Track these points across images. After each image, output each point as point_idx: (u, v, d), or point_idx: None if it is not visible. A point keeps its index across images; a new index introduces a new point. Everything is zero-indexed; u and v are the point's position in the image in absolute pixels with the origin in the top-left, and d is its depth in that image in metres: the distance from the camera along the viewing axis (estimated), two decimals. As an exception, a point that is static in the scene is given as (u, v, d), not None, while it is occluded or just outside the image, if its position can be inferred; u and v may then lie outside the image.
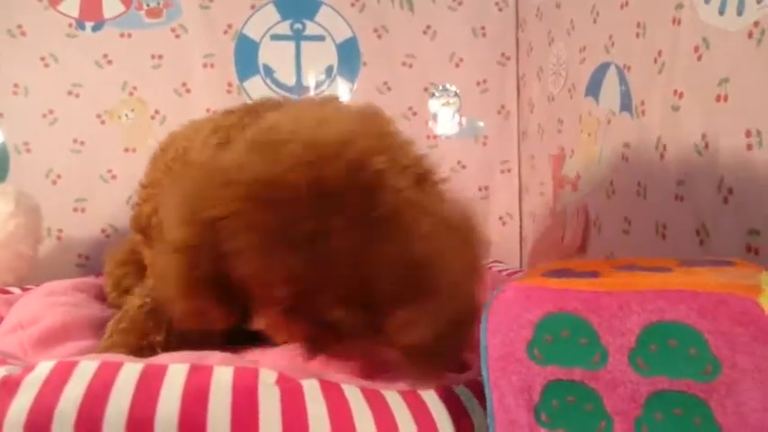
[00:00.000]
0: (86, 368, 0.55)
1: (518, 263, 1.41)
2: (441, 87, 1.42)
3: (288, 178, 0.53)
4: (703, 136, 0.79)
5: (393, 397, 0.58)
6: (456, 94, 1.42)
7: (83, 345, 0.77)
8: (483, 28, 1.43)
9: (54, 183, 1.31)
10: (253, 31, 1.38)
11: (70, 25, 1.32)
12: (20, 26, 1.30)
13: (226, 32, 1.37)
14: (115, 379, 0.54)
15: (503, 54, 1.44)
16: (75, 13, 1.33)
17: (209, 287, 0.59)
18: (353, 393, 0.57)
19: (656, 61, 0.89)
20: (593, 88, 1.07)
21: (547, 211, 1.29)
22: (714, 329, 0.45)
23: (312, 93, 1.39)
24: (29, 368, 0.56)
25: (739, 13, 0.73)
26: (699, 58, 0.80)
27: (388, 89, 1.40)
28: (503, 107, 1.44)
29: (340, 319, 0.57)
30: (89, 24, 1.33)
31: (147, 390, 0.53)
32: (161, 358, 0.59)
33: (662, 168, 0.88)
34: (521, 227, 1.45)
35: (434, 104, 1.42)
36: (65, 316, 0.80)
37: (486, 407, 0.53)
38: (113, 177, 1.34)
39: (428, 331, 0.58)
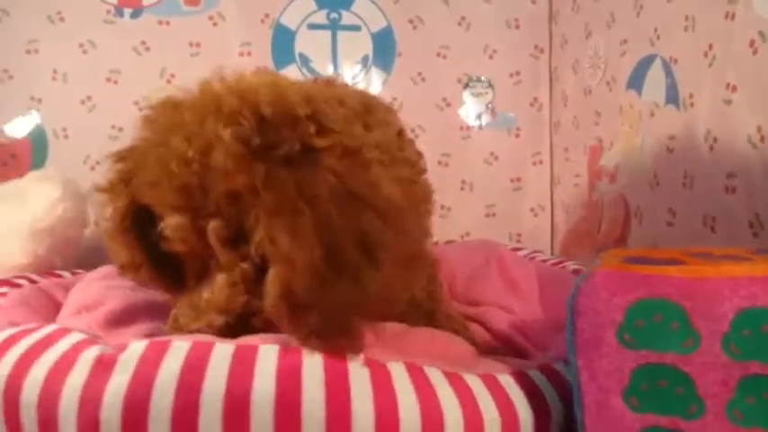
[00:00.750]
0: (179, 347, 0.56)
1: (549, 253, 1.43)
2: (474, 79, 1.43)
3: None
4: (758, 129, 0.81)
5: (473, 380, 0.60)
6: (489, 86, 1.44)
7: (146, 327, 0.78)
8: (516, 20, 1.44)
9: (92, 168, 1.31)
10: (289, 20, 1.39)
11: (109, 12, 1.33)
12: (59, 12, 1.31)
13: (263, 21, 1.38)
14: (209, 357, 0.55)
15: (536, 46, 1.45)
16: (114, 0, 1.33)
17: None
18: (436, 376, 0.58)
19: (706, 55, 0.90)
20: (636, 81, 1.09)
21: (580, 201, 1.31)
22: (810, 314, 0.47)
23: (348, 83, 1.40)
24: (121, 347, 0.57)
25: (799, 7, 0.75)
26: (754, 53, 0.81)
27: (423, 80, 1.41)
28: (535, 99, 1.45)
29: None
30: (128, 11, 1.34)
31: (242, 368, 0.54)
32: (247, 339, 0.61)
33: (711, 160, 0.89)
34: (552, 218, 1.46)
35: (468, 96, 1.43)
36: (126, 300, 0.81)
37: (573, 390, 0.54)
38: (151, 164, 1.34)
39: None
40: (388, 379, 0.56)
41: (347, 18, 1.40)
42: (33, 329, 0.61)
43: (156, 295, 0.87)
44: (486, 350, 0.79)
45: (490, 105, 1.44)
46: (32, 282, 0.94)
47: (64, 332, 0.60)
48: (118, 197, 0.68)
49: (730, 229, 0.86)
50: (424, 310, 0.81)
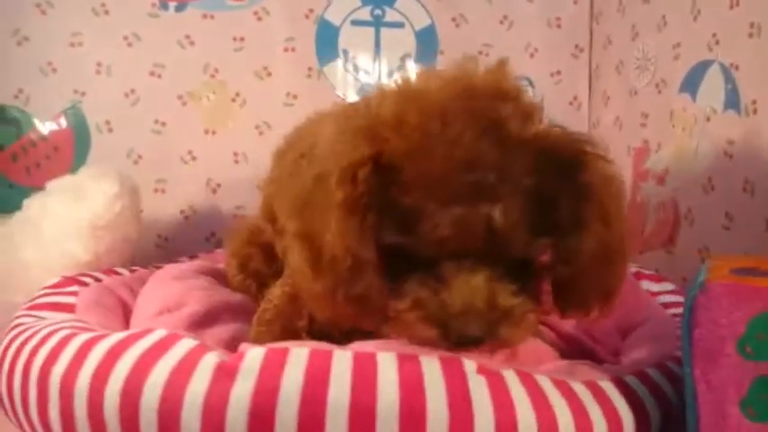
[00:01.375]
0: (299, 355, 0.57)
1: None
2: (515, 77, 1.44)
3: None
4: (829, 137, 0.82)
5: (579, 387, 0.60)
6: (530, 84, 1.44)
7: (229, 329, 0.79)
8: (558, 19, 1.44)
9: (135, 163, 1.31)
10: (333, 16, 1.39)
11: (153, 5, 1.32)
12: (103, 5, 1.30)
13: (307, 17, 1.37)
14: (330, 366, 0.56)
15: (576, 46, 1.46)
16: (159, -6, 1.33)
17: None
18: (547, 384, 0.59)
19: (772, 62, 0.91)
20: (690, 85, 1.10)
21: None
22: None
23: (391, 79, 1.40)
24: (238, 354, 0.58)
25: None
26: (827, 62, 0.83)
27: (465, 78, 1.42)
28: (575, 98, 1.46)
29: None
30: (172, 5, 1.33)
31: (364, 378, 0.55)
32: (359, 346, 0.61)
33: (776, 167, 0.91)
34: (590, 217, 1.47)
35: (509, 94, 1.44)
36: (206, 300, 0.82)
37: (686, 398, 0.56)
38: (193, 159, 1.34)
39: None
40: (505, 387, 0.57)
41: (390, 15, 1.40)
42: (142, 333, 0.61)
43: (230, 295, 0.89)
44: (559, 349, 0.80)
45: (531, 104, 1.45)
46: (97, 280, 0.94)
47: (176, 337, 0.60)
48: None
49: (796, 236, 0.87)
50: None
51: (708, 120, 1.05)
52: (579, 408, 0.58)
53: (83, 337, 0.63)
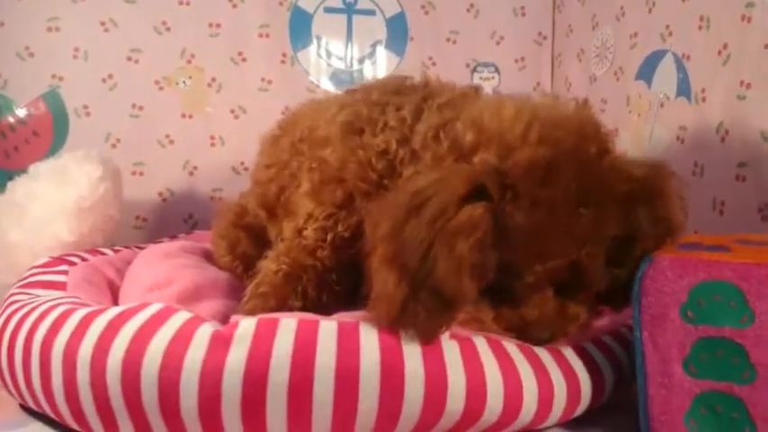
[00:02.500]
0: (288, 324, 0.61)
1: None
2: (481, 64, 1.50)
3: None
4: (771, 124, 0.89)
5: (543, 353, 0.67)
6: (496, 71, 1.50)
7: (218, 304, 0.83)
8: (522, 8, 1.50)
9: (114, 146, 1.34)
10: (307, 4, 1.43)
11: (129, -10, 1.35)
12: (80, -11, 1.32)
13: (281, 4, 1.41)
14: (317, 333, 0.61)
15: (540, 34, 1.52)
16: (135, -22, 1.35)
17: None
18: (513, 349, 0.65)
19: (720, 53, 0.98)
20: (646, 73, 1.16)
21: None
22: None
23: (362, 66, 1.45)
24: (232, 324, 0.62)
25: (813, 16, 0.83)
26: (769, 54, 0.90)
27: (433, 64, 1.47)
28: (538, 84, 1.53)
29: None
30: (149, -10, 1.35)
31: (348, 343, 0.60)
32: (342, 316, 0.66)
33: (722, 151, 0.98)
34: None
35: (476, 80, 1.50)
36: (195, 277, 0.86)
37: (636, 359, 0.62)
38: (171, 142, 1.38)
39: None
40: (475, 351, 0.63)
41: (362, 2, 1.45)
42: (140, 307, 0.65)
43: (217, 273, 0.93)
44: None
45: (496, 90, 1.51)
46: (83, 260, 0.97)
47: (171, 310, 0.65)
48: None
49: (739, 214, 0.94)
50: None
51: (662, 106, 1.13)
52: (542, 371, 0.65)
53: (83, 312, 0.66)
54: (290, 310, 0.75)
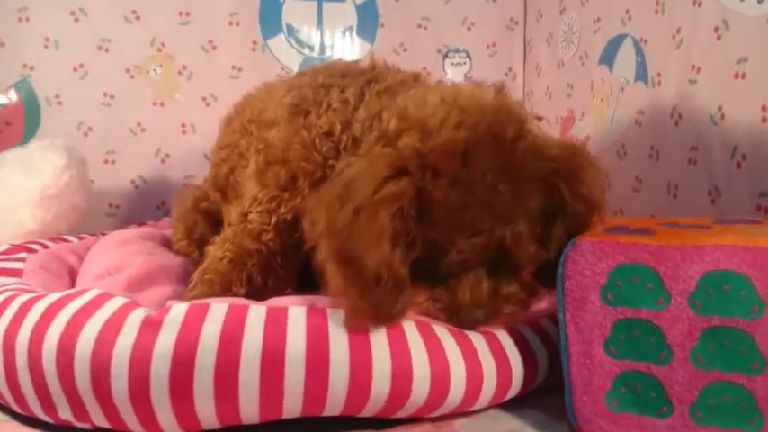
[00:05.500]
0: (218, 309, 0.63)
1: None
2: (453, 49, 1.50)
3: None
4: (719, 108, 0.90)
5: (475, 337, 0.68)
6: (467, 56, 1.50)
7: (167, 290, 0.85)
8: (495, -1, 1.51)
9: (85, 135, 1.36)
10: (278, -9, 1.43)
11: (99, -21, 1.35)
12: (50, -21, 1.33)
13: (251, -9, 1.42)
14: (245, 318, 0.62)
15: (511, 19, 1.52)
16: (105, -32, 1.35)
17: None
18: (443, 333, 0.67)
19: (674, 37, 0.99)
20: (607, 57, 1.17)
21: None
22: (762, 276, 0.56)
23: (332, 52, 1.45)
24: (164, 310, 0.64)
25: (759, 0, 0.83)
26: (718, 38, 0.90)
27: (404, 50, 1.48)
28: (510, 69, 1.53)
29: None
30: (118, -21, 1.36)
31: (276, 328, 0.61)
32: (275, 301, 0.68)
33: (676, 134, 0.98)
34: (524, 183, 1.55)
35: (447, 66, 1.50)
36: (146, 264, 0.87)
37: (560, 340, 0.63)
38: (142, 130, 1.39)
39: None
40: (403, 335, 0.64)
41: (334, -8, 1.45)
42: (77, 294, 0.67)
43: (171, 259, 0.94)
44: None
45: (468, 75, 1.51)
46: (45, 247, 0.99)
47: (107, 296, 0.66)
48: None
49: (691, 197, 0.95)
50: None
51: (622, 90, 1.13)
52: (472, 355, 0.66)
53: (23, 298, 0.68)
54: (235, 296, 0.77)
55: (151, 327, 0.62)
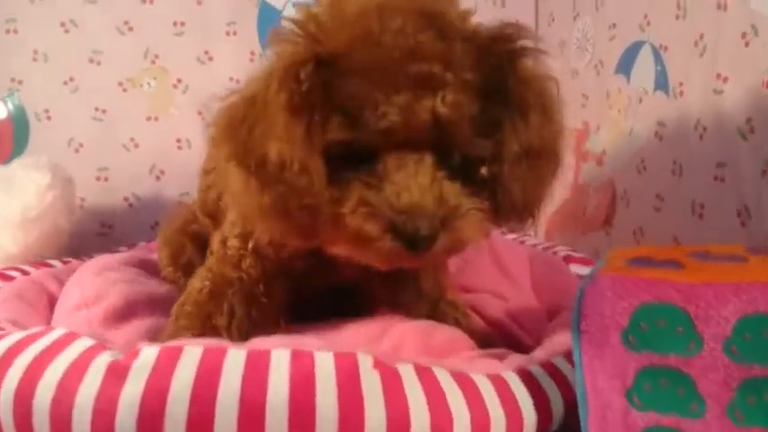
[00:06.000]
0: (192, 354, 0.56)
1: (533, 234, 1.45)
2: None
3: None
4: (748, 120, 0.82)
5: (481, 380, 0.61)
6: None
7: (147, 323, 0.79)
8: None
9: (76, 151, 1.31)
10: (275, -1, 1.37)
11: (90, -11, 1.30)
12: (38, -10, 1.28)
13: (249, -1, 1.36)
14: (222, 364, 0.56)
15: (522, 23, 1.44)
16: (96, -23, 1.30)
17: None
18: (445, 377, 0.60)
19: (696, 44, 0.91)
20: (625, 66, 1.10)
21: (564, 183, 1.32)
22: (810, 320, 0.49)
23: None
24: (132, 353, 0.58)
25: (792, 3, 0.76)
26: (746, 45, 0.82)
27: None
28: (521, 78, 1.45)
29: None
30: (109, -12, 1.31)
31: (255, 375, 0.55)
32: (257, 343, 0.61)
33: (701, 149, 0.91)
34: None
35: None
36: (126, 294, 0.81)
37: (578, 389, 0.56)
38: (136, 146, 1.34)
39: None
40: (399, 382, 0.57)
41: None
42: (40, 334, 0.61)
43: (154, 287, 0.88)
44: (481, 338, 0.81)
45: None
46: (24, 273, 0.93)
47: (72, 337, 0.60)
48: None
49: (719, 218, 0.88)
50: (429, 298, 0.83)
51: (640, 101, 1.06)
52: (478, 403, 0.58)
53: (-17, 338, 0.62)
54: (215, 328, 0.71)
55: (117, 373, 0.55)
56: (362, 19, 0.58)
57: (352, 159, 0.59)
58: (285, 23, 0.61)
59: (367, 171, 0.58)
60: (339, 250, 0.62)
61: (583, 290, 0.56)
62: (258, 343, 0.61)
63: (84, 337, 0.60)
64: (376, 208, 0.57)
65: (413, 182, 0.57)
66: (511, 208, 0.64)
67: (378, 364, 0.59)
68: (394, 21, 0.57)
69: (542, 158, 0.64)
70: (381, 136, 0.57)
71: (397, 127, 0.56)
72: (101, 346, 0.59)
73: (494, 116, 0.61)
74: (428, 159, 0.59)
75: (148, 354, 0.57)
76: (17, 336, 0.61)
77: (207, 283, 0.73)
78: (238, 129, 0.58)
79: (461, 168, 0.61)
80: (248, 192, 0.58)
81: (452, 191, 0.59)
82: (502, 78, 0.60)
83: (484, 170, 0.65)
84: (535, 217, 0.67)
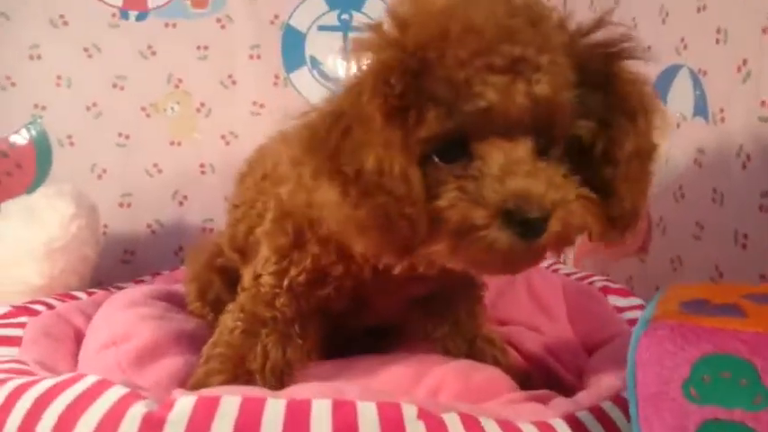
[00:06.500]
0: (229, 404, 0.54)
1: (563, 259, 1.41)
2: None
3: None
4: (796, 149, 0.80)
5: (528, 429, 0.58)
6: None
7: (177, 362, 0.76)
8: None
9: (99, 177, 1.29)
10: (299, 22, 1.35)
11: (114, 15, 1.29)
12: (62, 15, 1.27)
13: (272, 23, 1.34)
14: (261, 416, 0.53)
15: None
16: (119, 3, 1.30)
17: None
18: (492, 428, 0.57)
19: (739, 70, 0.88)
20: (661, 89, 1.07)
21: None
22: None
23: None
24: (167, 404, 0.55)
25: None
26: (793, 71, 0.80)
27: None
28: (549, 100, 1.43)
29: None
30: (133, 14, 1.30)
31: (296, 427, 0.53)
32: (296, 391, 0.59)
33: (743, 177, 0.88)
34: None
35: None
36: (155, 331, 0.79)
37: (632, 441, 0.54)
38: (159, 171, 1.32)
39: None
40: (444, 431, 0.55)
41: (359, 19, 1.36)
42: (72, 381, 0.59)
43: (184, 323, 0.86)
44: (521, 376, 0.78)
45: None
46: (50, 307, 0.91)
47: (105, 385, 0.58)
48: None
49: (764, 249, 0.85)
50: (466, 334, 0.81)
51: (678, 126, 1.03)
52: (523, 450, 0.56)
53: (14, 383, 0.61)
54: (249, 372, 0.68)
55: (152, 425, 0.54)
56: (449, 10, 0.56)
57: (448, 155, 0.55)
58: (367, 30, 0.58)
59: (463, 165, 0.55)
60: (441, 257, 0.56)
61: (638, 338, 0.53)
62: (297, 391, 0.59)
63: (117, 385, 0.58)
64: (478, 195, 0.53)
65: (517, 166, 0.54)
66: (620, 215, 0.60)
67: (422, 413, 0.56)
68: (482, 8, 0.55)
69: (648, 163, 0.62)
70: (479, 120, 0.54)
71: (496, 108, 0.53)
72: (134, 394, 0.57)
73: (599, 116, 0.59)
74: (529, 144, 0.55)
75: (184, 404, 0.55)
76: (47, 383, 0.60)
77: (239, 323, 0.70)
78: (325, 142, 0.55)
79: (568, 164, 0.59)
80: (343, 205, 0.54)
81: (558, 174, 0.55)
82: (603, 80, 0.59)
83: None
84: (635, 228, 0.64)
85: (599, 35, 0.61)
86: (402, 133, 0.54)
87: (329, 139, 0.55)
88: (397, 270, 0.59)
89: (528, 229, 0.52)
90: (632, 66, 0.61)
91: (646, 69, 1.08)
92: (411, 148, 0.54)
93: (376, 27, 0.57)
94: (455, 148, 0.55)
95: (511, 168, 0.53)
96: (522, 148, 0.55)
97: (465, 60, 0.53)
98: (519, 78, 0.53)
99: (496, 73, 0.53)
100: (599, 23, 0.61)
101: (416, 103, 0.54)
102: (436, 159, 0.55)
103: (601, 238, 0.61)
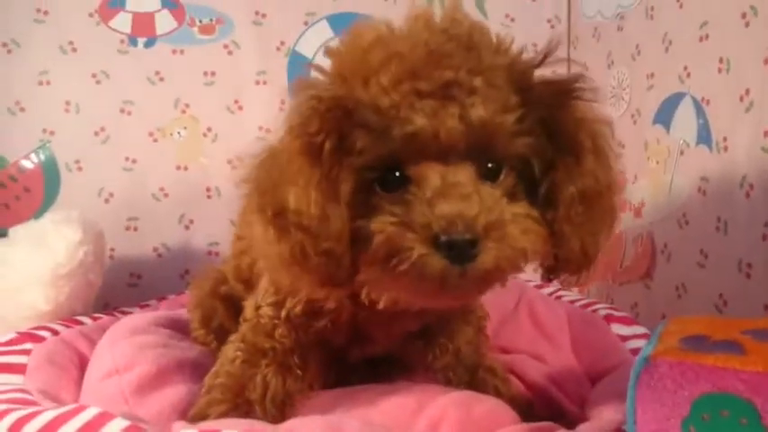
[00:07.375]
0: (229, 440, 0.55)
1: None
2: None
3: None
4: (799, 180, 0.79)
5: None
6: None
7: (180, 391, 0.77)
8: (535, 45, 1.41)
9: (106, 201, 1.30)
10: (306, 48, 1.37)
11: (122, 41, 1.31)
12: (71, 42, 1.29)
13: (279, 49, 1.36)
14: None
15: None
16: (128, 30, 1.31)
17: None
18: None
19: (742, 99, 0.89)
20: (664, 117, 1.07)
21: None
22: None
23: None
24: (168, 437, 0.56)
25: None
26: (796, 102, 0.80)
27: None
28: (555, 125, 1.43)
29: None
30: (141, 40, 1.32)
31: (296, 462, 0.53)
32: (295, 425, 0.59)
33: (747, 207, 0.88)
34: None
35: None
36: (158, 360, 0.80)
37: (633, 479, 0.53)
38: (166, 196, 1.33)
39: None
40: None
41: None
42: (74, 412, 0.60)
43: (187, 351, 0.86)
44: (523, 406, 0.78)
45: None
46: (54, 333, 0.92)
47: (106, 417, 0.59)
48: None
49: (766, 278, 0.84)
50: (468, 364, 0.81)
51: (681, 153, 1.03)
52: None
53: (16, 415, 0.61)
54: (250, 402, 0.68)
55: (153, 459, 0.54)
56: (377, 40, 0.57)
57: (390, 184, 0.56)
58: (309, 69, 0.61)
59: (402, 192, 0.55)
60: (375, 286, 0.57)
61: (638, 376, 0.53)
62: (296, 426, 0.59)
63: (118, 417, 0.59)
64: (408, 219, 0.53)
65: (452, 189, 0.54)
66: (567, 257, 0.60)
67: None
68: (411, 36, 0.56)
69: (597, 205, 0.60)
70: (410, 145, 0.54)
71: (425, 133, 0.53)
72: (135, 428, 0.58)
73: (546, 157, 0.58)
74: (469, 168, 0.55)
75: (185, 438, 0.55)
76: (49, 415, 0.60)
77: (239, 353, 0.71)
78: (263, 179, 0.58)
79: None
80: (268, 241, 0.56)
81: (495, 197, 0.55)
82: (553, 118, 0.58)
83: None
84: (590, 270, 0.62)
85: (550, 74, 0.60)
86: (326, 173, 0.54)
87: (258, 176, 0.58)
88: (381, 305, 0.58)
89: (459, 253, 0.52)
90: (588, 106, 0.60)
91: (648, 96, 1.10)
92: (338, 183, 0.55)
93: (315, 65, 0.60)
94: (397, 177, 0.56)
95: (444, 191, 0.53)
96: (463, 173, 0.55)
97: (387, 87, 0.54)
98: (450, 102, 0.53)
99: (424, 97, 0.53)
100: (545, 56, 0.62)
101: (350, 133, 0.55)
102: (378, 188, 0.56)
103: (554, 275, 0.62)
